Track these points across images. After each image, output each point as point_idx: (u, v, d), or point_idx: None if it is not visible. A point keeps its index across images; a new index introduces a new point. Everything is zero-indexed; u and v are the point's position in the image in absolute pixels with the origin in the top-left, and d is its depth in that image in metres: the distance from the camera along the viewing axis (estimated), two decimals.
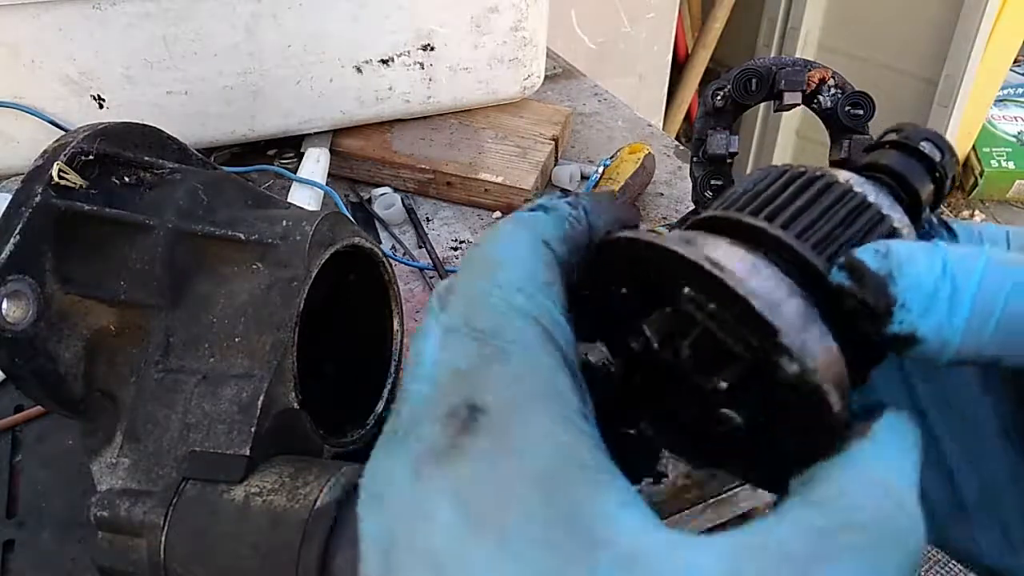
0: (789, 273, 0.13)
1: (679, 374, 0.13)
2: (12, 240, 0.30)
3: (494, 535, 0.10)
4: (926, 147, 0.16)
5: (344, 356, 0.40)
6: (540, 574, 0.10)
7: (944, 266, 0.13)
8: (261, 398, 0.29)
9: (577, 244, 0.14)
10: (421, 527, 0.11)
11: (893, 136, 0.16)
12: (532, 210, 0.14)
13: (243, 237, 0.32)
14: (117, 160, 0.33)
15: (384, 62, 0.60)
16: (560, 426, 0.12)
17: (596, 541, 0.10)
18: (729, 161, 0.40)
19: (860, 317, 0.13)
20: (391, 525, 0.11)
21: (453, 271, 0.53)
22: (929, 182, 0.16)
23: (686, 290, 0.13)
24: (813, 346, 0.12)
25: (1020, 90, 1.91)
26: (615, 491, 0.11)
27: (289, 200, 0.55)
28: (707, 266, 0.12)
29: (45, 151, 0.32)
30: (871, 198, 0.14)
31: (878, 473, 0.12)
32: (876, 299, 0.13)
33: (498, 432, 0.11)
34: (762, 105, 0.40)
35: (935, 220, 0.16)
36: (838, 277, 0.13)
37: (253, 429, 0.29)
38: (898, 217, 0.15)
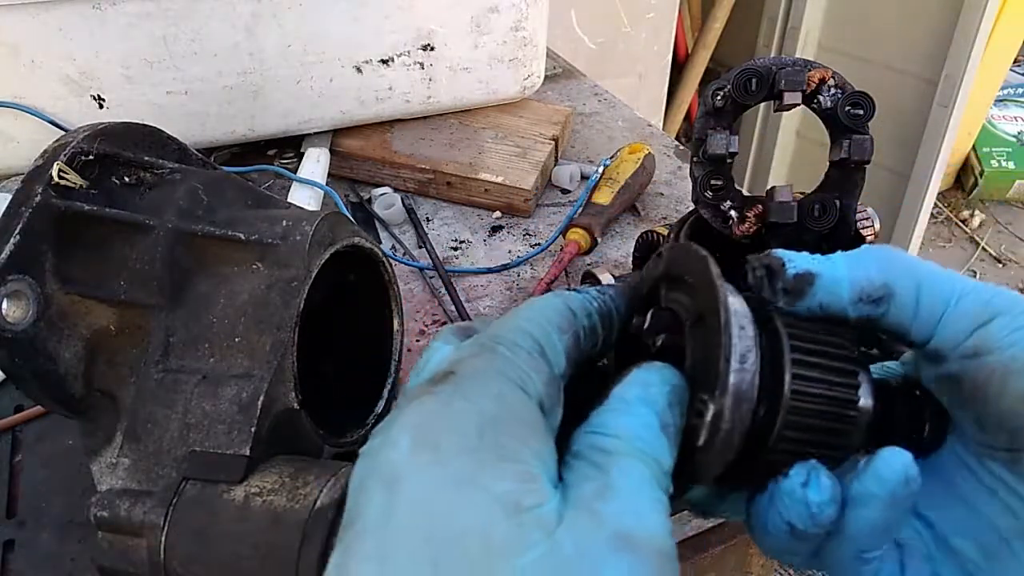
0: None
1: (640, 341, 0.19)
2: (12, 240, 0.30)
3: (431, 449, 0.14)
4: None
5: (344, 356, 0.40)
6: (459, 475, 0.14)
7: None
8: (261, 398, 0.29)
9: (603, 318, 0.18)
10: (386, 452, 0.14)
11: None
12: (568, 290, 0.19)
13: (243, 237, 0.32)
14: (117, 160, 0.33)
15: (384, 62, 0.60)
16: (514, 394, 0.15)
17: (508, 459, 0.14)
18: (729, 161, 0.40)
19: (766, 279, 0.18)
20: (370, 454, 0.15)
21: (453, 271, 0.53)
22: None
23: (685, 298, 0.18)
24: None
25: (1020, 90, 1.91)
26: (537, 443, 0.15)
27: (289, 200, 0.55)
28: (720, 291, 0.16)
29: (45, 151, 0.32)
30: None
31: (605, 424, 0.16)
32: (770, 260, 0.19)
33: (460, 385, 0.15)
34: (762, 105, 0.40)
35: None
36: (752, 270, 0.19)
37: (253, 429, 0.29)
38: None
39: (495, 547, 0.13)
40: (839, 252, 0.19)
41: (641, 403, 0.16)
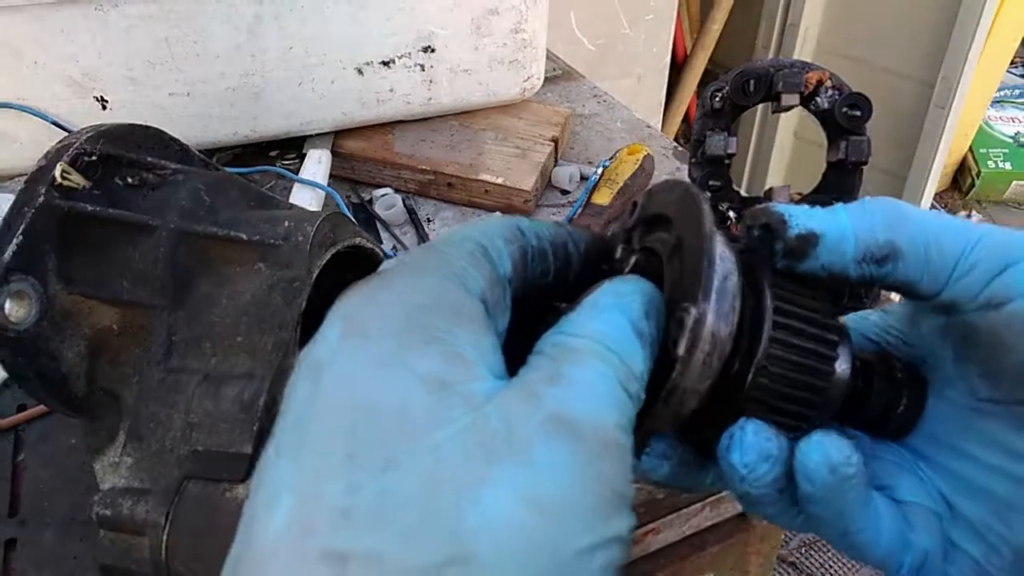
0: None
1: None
2: (15, 240, 0.30)
3: (359, 335, 0.13)
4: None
5: None
6: (381, 356, 0.13)
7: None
8: (263, 397, 0.30)
9: (556, 247, 0.17)
10: (315, 347, 0.14)
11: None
12: None
13: (245, 237, 0.32)
14: (120, 161, 0.33)
15: (385, 64, 0.60)
16: (448, 284, 0.14)
17: (434, 341, 0.13)
18: (727, 162, 0.40)
19: (766, 239, 0.17)
20: (303, 355, 0.14)
21: None
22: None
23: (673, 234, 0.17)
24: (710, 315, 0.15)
25: (1017, 91, 1.92)
26: (471, 333, 0.14)
27: (291, 201, 0.55)
28: (706, 227, 0.16)
29: (48, 152, 0.32)
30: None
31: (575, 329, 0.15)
32: (770, 217, 0.17)
33: (391, 277, 0.14)
34: (760, 106, 0.40)
35: None
36: (748, 229, 0.17)
37: (255, 428, 0.29)
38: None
39: (413, 421, 0.12)
40: (840, 204, 0.17)
41: (614, 309, 0.15)
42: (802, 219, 0.17)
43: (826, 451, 0.16)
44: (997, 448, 0.17)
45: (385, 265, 0.15)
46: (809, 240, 0.17)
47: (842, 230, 0.17)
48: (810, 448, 0.16)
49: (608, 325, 0.15)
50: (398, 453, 0.12)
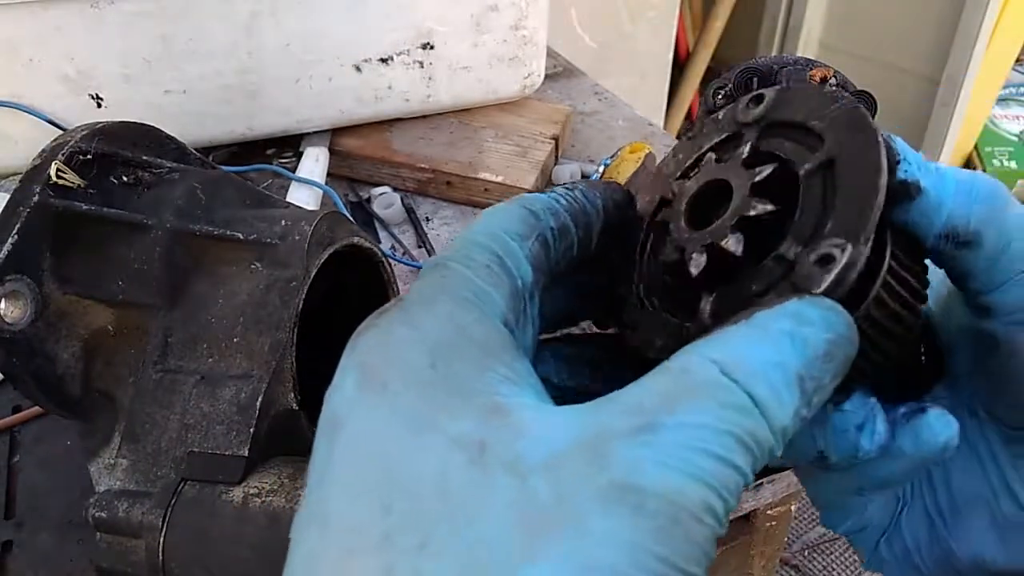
0: None
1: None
2: (10, 240, 0.29)
3: (378, 388, 0.12)
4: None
5: None
6: (408, 416, 0.12)
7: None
8: (260, 399, 0.29)
9: (575, 215, 0.16)
10: (331, 398, 0.13)
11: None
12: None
13: (241, 237, 0.32)
14: (115, 159, 0.33)
15: (383, 61, 0.59)
16: (467, 312, 0.13)
17: (466, 393, 0.12)
18: None
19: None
20: (323, 405, 0.13)
21: None
22: None
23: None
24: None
25: (1022, 89, 1.90)
26: (503, 366, 0.13)
27: (288, 200, 0.55)
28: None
29: (43, 150, 0.32)
30: None
31: (742, 354, 0.12)
32: (890, 152, 0.16)
33: (404, 311, 0.13)
34: None
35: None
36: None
37: (252, 430, 0.29)
38: None
39: (453, 494, 0.11)
40: (952, 170, 0.16)
41: (786, 340, 0.12)
42: (914, 167, 0.15)
43: (952, 432, 0.15)
44: (984, 457, 0.17)
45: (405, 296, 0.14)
46: (911, 192, 0.15)
47: (942, 197, 0.15)
48: (939, 422, 0.15)
49: (763, 361, 0.12)
50: (436, 533, 0.11)
